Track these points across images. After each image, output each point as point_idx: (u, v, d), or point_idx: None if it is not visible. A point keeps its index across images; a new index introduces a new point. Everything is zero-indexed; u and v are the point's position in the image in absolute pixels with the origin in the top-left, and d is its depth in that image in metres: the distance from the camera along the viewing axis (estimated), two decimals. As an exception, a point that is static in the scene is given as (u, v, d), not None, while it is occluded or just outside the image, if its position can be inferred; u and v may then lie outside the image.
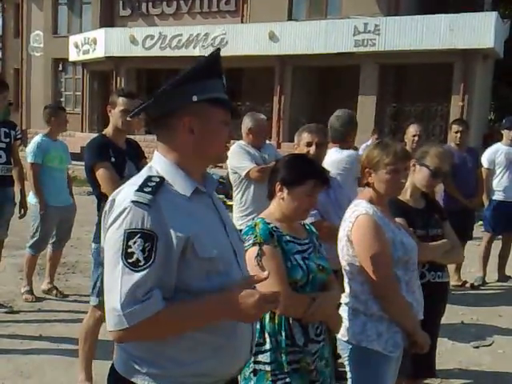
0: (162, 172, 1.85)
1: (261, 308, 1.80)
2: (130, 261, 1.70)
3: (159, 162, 1.88)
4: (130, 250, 1.70)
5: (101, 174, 3.90)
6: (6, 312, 5.64)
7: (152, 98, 1.87)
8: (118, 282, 1.70)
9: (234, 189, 5.08)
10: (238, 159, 4.95)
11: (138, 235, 1.70)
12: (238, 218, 4.88)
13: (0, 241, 5.81)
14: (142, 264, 1.70)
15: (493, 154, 7.13)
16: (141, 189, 1.76)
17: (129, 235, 1.71)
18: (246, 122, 5.09)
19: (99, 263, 3.94)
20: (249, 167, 4.87)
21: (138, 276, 1.69)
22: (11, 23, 27.92)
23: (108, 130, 4.14)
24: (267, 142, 5.47)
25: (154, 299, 1.71)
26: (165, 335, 1.79)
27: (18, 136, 5.86)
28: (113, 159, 3.96)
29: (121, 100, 4.01)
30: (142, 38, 19.85)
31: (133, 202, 1.73)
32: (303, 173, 2.63)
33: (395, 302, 2.80)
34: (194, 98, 1.82)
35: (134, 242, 1.70)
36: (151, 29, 20.14)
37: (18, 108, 25.28)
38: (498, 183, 7.13)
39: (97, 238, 4.01)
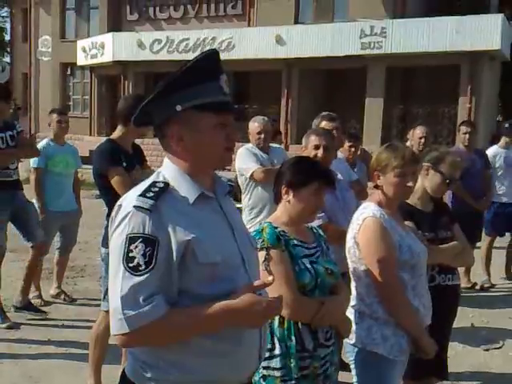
0: (168, 177, 1.85)
1: (265, 315, 1.80)
2: (130, 265, 1.71)
3: (167, 168, 1.89)
4: (131, 255, 1.71)
5: (116, 180, 3.89)
6: (40, 318, 5.66)
7: (139, 108, 1.88)
8: (118, 286, 1.71)
9: (242, 191, 5.15)
10: (243, 161, 5.05)
11: (140, 240, 1.71)
12: (247, 222, 4.90)
13: (42, 243, 5.73)
14: (142, 268, 1.70)
15: (492, 158, 7.20)
16: (143, 194, 1.77)
17: (130, 240, 1.72)
18: (250, 126, 5.24)
19: None
20: (253, 168, 4.95)
21: (138, 280, 1.70)
22: (19, 28, 28.12)
23: (116, 135, 4.14)
24: (277, 145, 5.52)
25: (156, 304, 1.70)
26: (168, 341, 1.78)
27: (20, 130, 5.65)
28: (124, 164, 3.97)
29: None
30: (149, 43, 19.92)
31: (135, 206, 1.74)
32: (307, 174, 2.63)
33: (400, 306, 2.79)
34: (178, 108, 1.80)
35: (136, 247, 1.71)
36: (158, 33, 20.20)
37: (27, 112, 25.42)
38: (498, 186, 7.19)
39: (105, 243, 4.02)
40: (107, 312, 4.02)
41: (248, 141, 5.25)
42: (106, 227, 4.06)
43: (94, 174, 4.05)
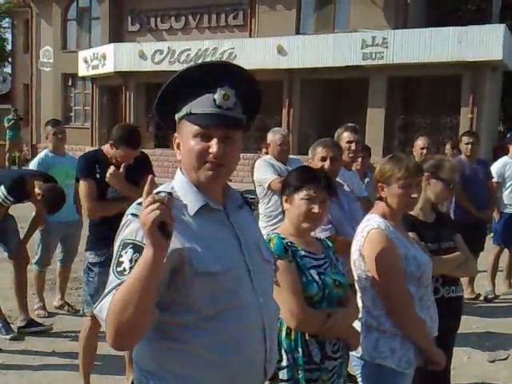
0: (176, 187, 1.88)
1: (146, 210, 1.57)
2: (118, 269, 1.72)
3: (177, 178, 1.93)
4: (120, 260, 1.73)
5: (81, 189, 4.09)
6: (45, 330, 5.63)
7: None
8: (108, 289, 1.72)
9: (260, 201, 5.33)
10: (261, 172, 5.28)
11: (130, 246, 1.72)
12: (263, 228, 4.94)
13: (16, 253, 5.61)
14: (126, 273, 1.70)
15: (502, 168, 7.16)
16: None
17: (123, 246, 1.74)
18: (270, 137, 5.47)
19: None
20: (270, 179, 5.11)
21: (119, 282, 1.68)
22: (21, 39, 28.19)
23: (107, 147, 4.21)
24: (295, 157, 5.71)
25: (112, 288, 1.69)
26: (130, 317, 1.61)
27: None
28: (98, 175, 4.04)
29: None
30: (150, 53, 19.98)
31: (132, 214, 1.77)
32: (300, 179, 2.66)
33: (408, 318, 2.78)
34: (176, 117, 1.89)
35: (126, 252, 1.73)
36: (160, 44, 20.26)
37: (28, 123, 25.44)
38: (509, 196, 7.13)
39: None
40: (91, 317, 4.06)
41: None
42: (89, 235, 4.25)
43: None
